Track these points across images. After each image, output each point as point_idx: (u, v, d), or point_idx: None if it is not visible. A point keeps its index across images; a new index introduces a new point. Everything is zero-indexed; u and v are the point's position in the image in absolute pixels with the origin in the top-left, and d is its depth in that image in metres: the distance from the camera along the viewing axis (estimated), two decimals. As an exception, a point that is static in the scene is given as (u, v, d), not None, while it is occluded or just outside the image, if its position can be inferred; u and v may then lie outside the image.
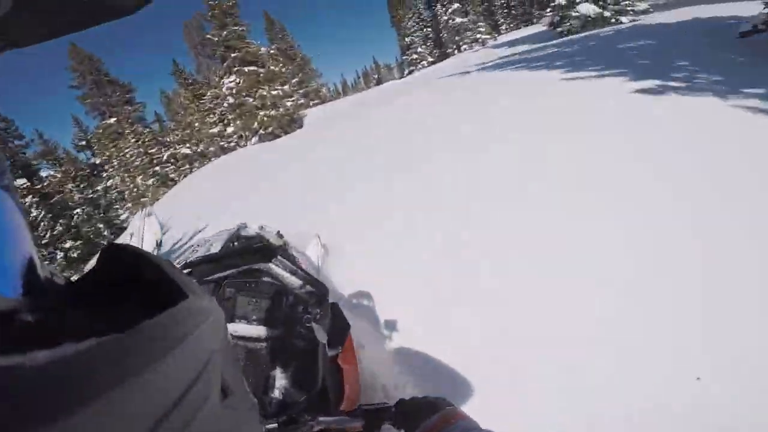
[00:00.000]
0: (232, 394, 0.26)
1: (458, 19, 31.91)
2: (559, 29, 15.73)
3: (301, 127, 18.93)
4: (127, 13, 0.32)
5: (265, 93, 17.75)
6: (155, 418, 0.17)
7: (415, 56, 35.57)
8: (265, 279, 1.06)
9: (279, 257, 1.06)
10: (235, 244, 1.55)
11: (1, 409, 0.12)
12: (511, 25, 34.96)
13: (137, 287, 0.25)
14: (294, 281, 1.06)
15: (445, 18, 33.05)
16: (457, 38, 33.12)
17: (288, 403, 0.90)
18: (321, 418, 0.75)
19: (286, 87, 18.58)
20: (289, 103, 18.47)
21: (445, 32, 33.86)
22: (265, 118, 17.73)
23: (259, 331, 1.00)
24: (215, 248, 1.49)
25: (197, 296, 0.25)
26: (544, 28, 18.38)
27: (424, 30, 36.94)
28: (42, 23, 0.29)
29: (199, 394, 0.20)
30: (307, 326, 0.98)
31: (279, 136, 18.04)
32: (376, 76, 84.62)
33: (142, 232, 2.90)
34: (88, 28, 0.31)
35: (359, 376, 1.15)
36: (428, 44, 36.99)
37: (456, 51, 33.29)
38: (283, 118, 17.97)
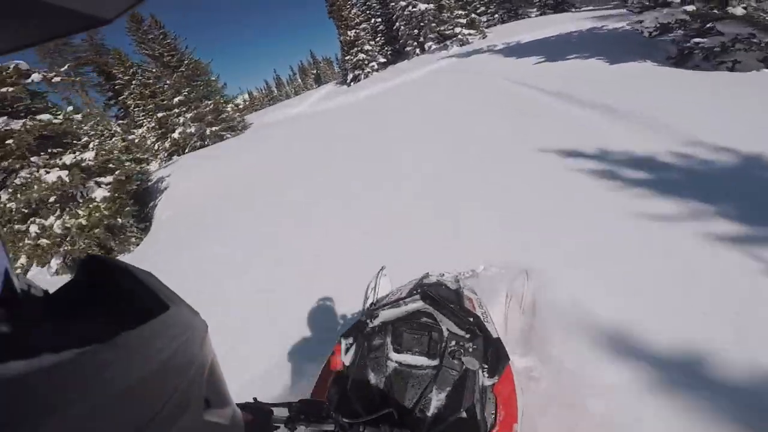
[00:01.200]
0: (215, 406, 0.26)
1: (422, 6, 22.80)
2: (701, 43, 7.00)
3: (149, 232, 8.95)
4: (106, 22, 0.30)
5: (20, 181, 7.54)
6: (134, 427, 0.17)
7: (361, 56, 25.98)
8: (424, 319, 1.29)
9: (433, 300, 1.29)
10: (417, 291, 1.48)
11: None
12: (495, 17, 26.17)
13: (117, 299, 0.25)
14: (449, 320, 1.26)
15: (402, 4, 23.81)
16: (417, 32, 24.06)
17: (436, 423, 1.04)
18: None
19: (89, 155, 8.38)
20: (98, 197, 8.34)
21: (401, 24, 24.64)
22: (40, 250, 7.57)
23: (419, 360, 1.20)
24: (403, 293, 1.55)
25: (179, 308, 0.26)
26: (625, 26, 9.66)
27: (373, 21, 27.38)
28: (16, 32, 0.28)
29: (179, 405, 0.20)
30: (459, 358, 1.16)
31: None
32: (314, 72, 73.56)
33: (376, 291, 2.17)
34: (64, 36, 0.31)
35: (516, 404, 1.18)
36: (378, 40, 27.54)
37: (417, 51, 24.26)
38: (82, 234, 7.83)
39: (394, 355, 1.22)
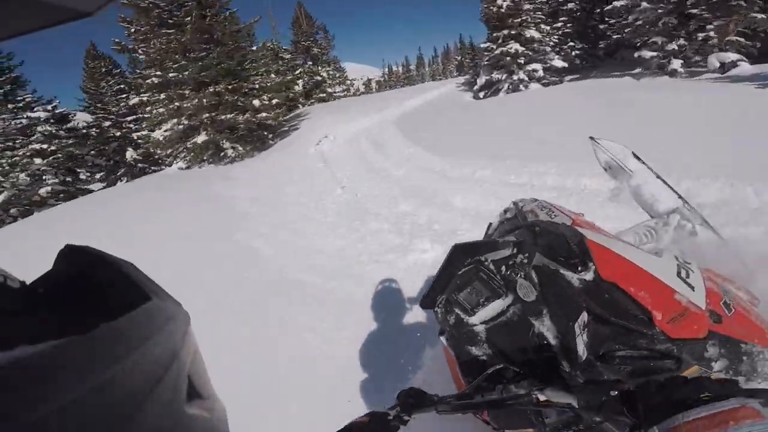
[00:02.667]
0: (197, 398, 0.26)
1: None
2: None
3: None
4: (87, 14, 0.30)
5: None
6: (116, 419, 0.17)
7: (514, 47, 13.79)
8: (459, 271, 1.05)
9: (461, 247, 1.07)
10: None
11: None
12: None
13: (97, 289, 0.25)
14: (486, 252, 1.04)
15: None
16: (659, 26, 10.63)
17: (567, 349, 0.85)
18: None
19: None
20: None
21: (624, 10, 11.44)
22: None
23: (495, 306, 1.00)
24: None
25: (161, 300, 0.26)
26: None
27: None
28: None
29: (160, 397, 0.20)
30: (520, 279, 0.96)
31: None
32: (458, 59, 61.69)
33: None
34: (45, 29, 0.30)
35: (643, 269, 0.92)
36: (560, 26, 14.77)
37: (653, 62, 10.88)
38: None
39: (473, 320, 1.03)
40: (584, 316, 0.86)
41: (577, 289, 0.92)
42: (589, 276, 0.94)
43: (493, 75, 14.32)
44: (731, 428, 0.46)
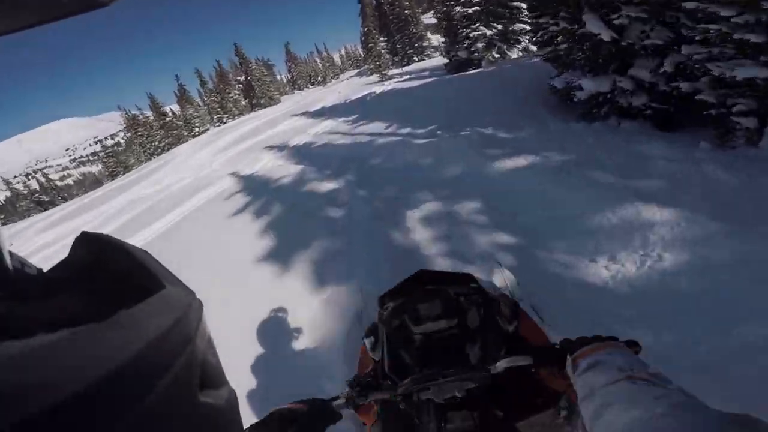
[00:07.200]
0: (210, 387, 0.26)
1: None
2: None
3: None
4: (102, 4, 0.30)
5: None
6: (132, 407, 0.17)
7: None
8: (428, 287, 1.35)
9: (428, 274, 1.45)
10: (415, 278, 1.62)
11: None
12: None
13: (113, 277, 0.25)
14: (449, 285, 1.36)
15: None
16: None
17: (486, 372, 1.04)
18: (497, 363, 0.95)
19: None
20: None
21: None
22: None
23: (441, 324, 1.26)
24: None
25: (175, 287, 0.26)
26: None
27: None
28: (9, 15, 0.27)
29: (173, 385, 0.20)
30: (467, 307, 1.27)
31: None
32: (240, 79, 52.71)
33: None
34: (58, 20, 0.30)
35: (545, 335, 1.34)
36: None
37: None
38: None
39: (416, 329, 1.28)
40: (503, 347, 1.15)
41: (504, 333, 1.20)
42: (512, 328, 1.21)
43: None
44: (603, 350, 0.76)
